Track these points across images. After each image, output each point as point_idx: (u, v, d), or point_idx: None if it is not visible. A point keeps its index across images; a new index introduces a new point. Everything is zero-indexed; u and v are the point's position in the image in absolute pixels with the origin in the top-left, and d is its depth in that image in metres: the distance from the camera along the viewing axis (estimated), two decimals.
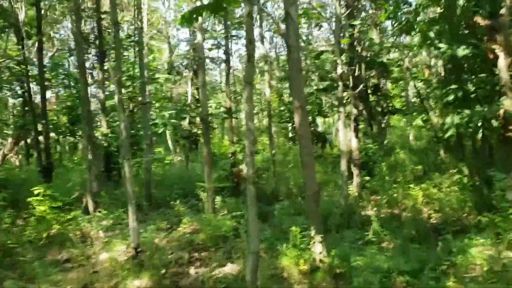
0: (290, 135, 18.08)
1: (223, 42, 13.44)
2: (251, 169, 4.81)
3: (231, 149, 12.18)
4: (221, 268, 6.20)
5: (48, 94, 23.57)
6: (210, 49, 10.64)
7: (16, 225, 7.93)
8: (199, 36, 8.95)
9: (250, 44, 4.93)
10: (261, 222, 8.65)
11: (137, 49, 12.20)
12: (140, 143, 13.61)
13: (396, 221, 7.96)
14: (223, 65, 17.19)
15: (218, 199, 9.05)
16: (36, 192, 7.99)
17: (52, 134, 16.58)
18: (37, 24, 11.34)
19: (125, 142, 6.34)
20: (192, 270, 6.20)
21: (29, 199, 8.00)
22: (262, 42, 16.54)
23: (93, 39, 12.91)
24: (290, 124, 17.01)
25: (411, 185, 9.41)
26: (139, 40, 11.93)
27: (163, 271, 6.03)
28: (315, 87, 15.86)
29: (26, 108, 13.61)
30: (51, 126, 15.91)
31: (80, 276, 5.93)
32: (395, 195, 9.20)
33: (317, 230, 5.84)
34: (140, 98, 12.14)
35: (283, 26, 6.87)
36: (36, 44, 11.58)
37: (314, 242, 5.85)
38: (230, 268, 6.16)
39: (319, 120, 18.91)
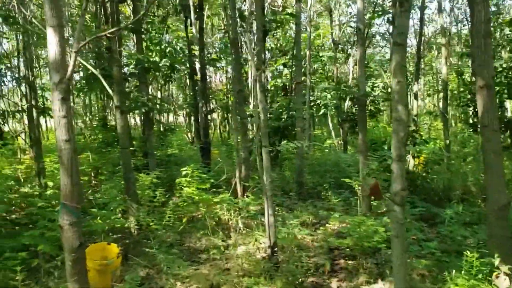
0: (471, 121, 15.28)
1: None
2: (398, 183, 3.34)
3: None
4: (369, 285, 5.00)
5: (218, 75, 24.79)
6: (372, 18, 9.14)
7: (167, 206, 7.88)
8: (359, 3, 7.63)
9: None
10: (427, 226, 7.12)
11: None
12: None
13: None
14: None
15: None
16: (183, 172, 7.84)
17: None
18: (198, 2, 11.41)
19: (262, 126, 5.50)
20: (334, 284, 5.11)
21: (177, 180, 7.92)
22: (440, 11, 14.22)
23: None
24: (471, 108, 14.32)
25: None
26: (296, 15, 11.07)
27: (300, 279, 5.10)
28: (505, 64, 12.95)
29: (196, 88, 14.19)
30: (213, 106, 16.43)
31: (210, 272, 5.36)
32: None
33: (503, 258, 4.20)
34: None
35: None
36: (197, 24, 11.62)
37: (498, 274, 4.23)
38: (380, 287, 4.93)
39: (509, 103, 15.62)
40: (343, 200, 8.29)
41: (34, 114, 9.00)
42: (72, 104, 18.64)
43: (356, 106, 15.20)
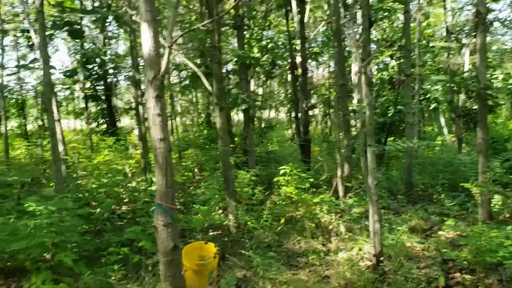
0: None
1: None
2: None
3: None
4: None
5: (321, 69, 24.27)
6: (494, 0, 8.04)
7: (265, 205, 7.71)
8: None
9: None
10: None
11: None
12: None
13: None
14: None
15: (497, 198, 6.82)
16: (282, 171, 7.60)
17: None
18: None
19: (368, 123, 5.02)
20: None
21: (275, 178, 7.71)
22: None
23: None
24: None
25: None
26: (406, 1, 10.22)
27: None
28: None
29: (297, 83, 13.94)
30: (314, 101, 16.00)
31: (309, 279, 5.03)
32: None
33: None
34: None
35: None
36: (299, 17, 11.29)
37: None
38: None
39: None
40: (458, 205, 7.44)
41: (141, 110, 9.38)
42: (179, 101, 19.52)
43: (473, 100, 13.78)
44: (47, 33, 4.84)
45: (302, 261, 5.66)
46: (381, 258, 5.10)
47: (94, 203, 7.36)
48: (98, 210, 6.54)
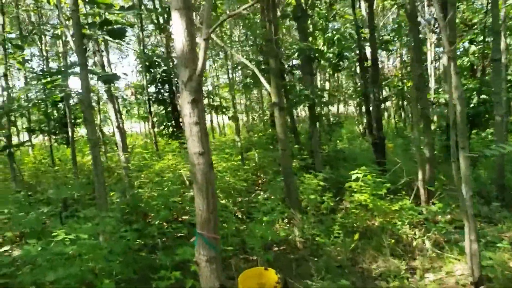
0: None
1: None
2: None
3: None
4: None
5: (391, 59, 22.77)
6: None
7: (336, 214, 6.88)
8: None
9: None
10: None
11: None
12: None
13: None
14: None
15: None
16: (354, 176, 6.72)
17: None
18: None
19: (459, 121, 4.04)
20: None
21: (347, 184, 6.85)
22: None
23: None
24: None
25: None
26: None
27: None
28: None
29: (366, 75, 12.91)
30: (386, 93, 14.77)
31: None
32: None
33: None
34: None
35: None
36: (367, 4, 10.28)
37: None
38: None
39: None
40: None
41: None
42: (244, 100, 19.06)
43: None
44: (86, 33, 4.43)
45: (382, 286, 4.79)
46: (481, 283, 4.12)
47: (151, 214, 6.93)
48: (156, 222, 6.07)
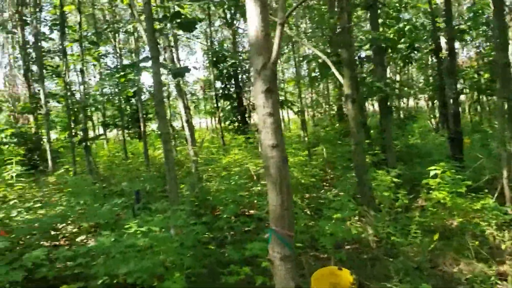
0: None
1: None
2: None
3: None
4: None
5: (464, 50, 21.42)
6: None
7: (411, 212, 6.49)
8: None
9: None
10: None
11: None
12: None
13: None
14: None
15: None
16: (432, 172, 6.29)
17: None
18: None
19: None
20: None
21: (424, 181, 6.43)
22: None
23: None
24: None
25: None
26: None
27: None
28: None
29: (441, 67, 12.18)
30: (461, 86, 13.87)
31: None
32: None
33: None
34: None
35: None
36: None
37: None
38: None
39: None
40: None
41: None
42: (310, 95, 18.77)
43: None
44: (158, 27, 4.45)
45: None
46: None
47: (220, 207, 6.93)
48: (224, 216, 6.05)
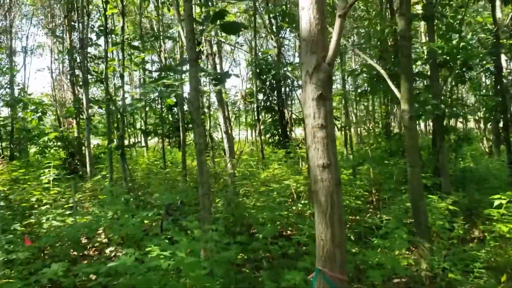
0: None
1: None
2: None
3: None
4: None
5: None
6: None
7: (469, 245, 5.78)
8: None
9: None
10: None
11: None
12: None
13: None
14: None
15: None
16: (496, 202, 5.57)
17: None
18: None
19: None
20: None
21: (486, 210, 5.71)
22: None
23: None
24: None
25: None
26: None
27: None
28: None
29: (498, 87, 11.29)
30: None
31: None
32: None
33: None
34: None
35: None
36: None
37: None
38: None
39: None
40: None
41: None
42: (355, 111, 18.05)
43: None
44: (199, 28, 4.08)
45: None
46: None
47: (256, 226, 6.44)
48: (261, 236, 5.54)
